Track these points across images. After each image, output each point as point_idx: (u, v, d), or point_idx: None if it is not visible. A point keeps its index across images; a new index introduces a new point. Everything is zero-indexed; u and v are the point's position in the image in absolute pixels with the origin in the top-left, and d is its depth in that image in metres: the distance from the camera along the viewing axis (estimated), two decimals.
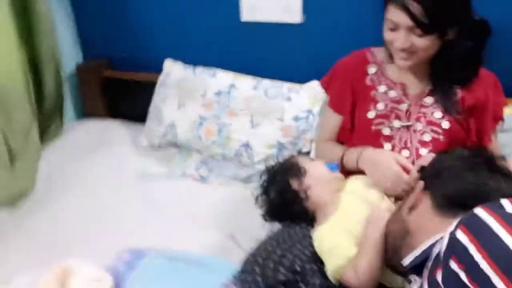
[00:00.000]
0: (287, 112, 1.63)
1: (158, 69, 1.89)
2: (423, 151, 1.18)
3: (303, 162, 1.19)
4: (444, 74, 1.18)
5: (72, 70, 2.08)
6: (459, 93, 1.18)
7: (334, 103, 1.32)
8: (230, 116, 1.67)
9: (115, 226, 1.45)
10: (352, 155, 1.19)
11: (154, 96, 1.86)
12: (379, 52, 1.26)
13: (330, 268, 1.02)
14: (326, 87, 1.35)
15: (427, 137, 1.18)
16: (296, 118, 1.62)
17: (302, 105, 1.63)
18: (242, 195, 1.55)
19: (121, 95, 2.06)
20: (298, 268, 1.06)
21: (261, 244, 1.14)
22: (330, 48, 1.62)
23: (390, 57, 1.20)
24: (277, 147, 1.60)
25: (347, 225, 1.05)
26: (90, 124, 2.03)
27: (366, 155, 1.16)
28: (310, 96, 1.63)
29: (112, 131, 1.98)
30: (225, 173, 1.67)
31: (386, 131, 1.21)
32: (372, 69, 1.26)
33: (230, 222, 1.48)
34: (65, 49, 2.00)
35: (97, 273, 1.06)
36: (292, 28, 1.71)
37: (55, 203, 1.57)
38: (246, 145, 1.63)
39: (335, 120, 1.32)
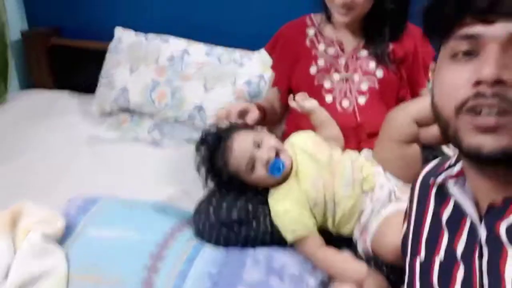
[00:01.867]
0: (239, 77, 1.66)
1: (109, 38, 1.87)
2: (362, 99, 1.30)
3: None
4: (375, 29, 1.29)
5: (17, 38, 2.01)
6: (390, 45, 1.30)
7: (278, 80, 1.41)
8: (183, 80, 1.69)
9: (67, 185, 1.43)
10: None
11: (105, 62, 1.84)
12: (317, 17, 1.37)
13: (289, 236, 1.05)
14: (270, 50, 1.45)
15: (364, 86, 1.30)
16: (249, 83, 1.66)
17: (254, 70, 1.68)
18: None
19: (70, 64, 2.01)
20: (251, 208, 1.10)
21: (215, 190, 1.17)
22: (280, 15, 1.68)
23: (328, 18, 1.32)
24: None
25: (300, 193, 1.07)
26: (37, 94, 1.98)
27: None
28: (261, 62, 1.68)
29: (60, 101, 1.93)
30: (178, 136, 1.68)
31: (327, 85, 1.31)
32: (311, 31, 1.36)
33: (183, 180, 1.50)
34: (10, 15, 1.93)
35: (47, 213, 1.05)
36: None
37: None
38: (200, 108, 1.65)
39: (275, 93, 1.42)
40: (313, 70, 1.32)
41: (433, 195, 0.73)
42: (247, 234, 1.09)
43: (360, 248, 1.08)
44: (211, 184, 1.16)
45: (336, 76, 1.31)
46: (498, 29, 0.55)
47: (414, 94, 1.36)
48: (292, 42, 1.36)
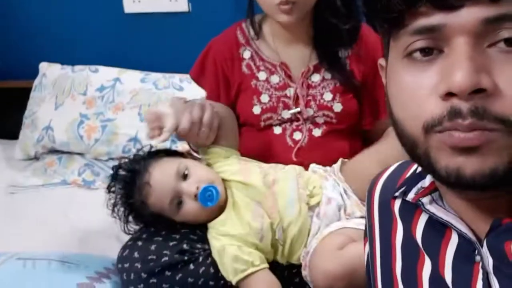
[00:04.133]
0: None
1: (34, 75, 1.67)
2: (317, 131, 1.08)
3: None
4: (328, 33, 1.03)
5: None
6: (348, 65, 1.06)
7: (211, 95, 1.12)
8: (115, 112, 1.49)
9: None
10: None
11: (28, 101, 1.63)
12: (248, 27, 1.09)
13: (231, 277, 0.86)
14: (196, 79, 1.16)
15: (319, 120, 1.07)
16: None
17: (195, 95, 1.50)
18: None
19: None
20: (186, 247, 0.88)
21: (142, 230, 0.95)
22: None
23: (260, 28, 1.07)
24: (171, 139, 1.43)
25: (242, 227, 0.89)
26: None
27: None
28: None
29: None
30: None
31: (276, 129, 1.07)
32: (246, 53, 1.09)
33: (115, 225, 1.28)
34: None
35: None
36: (179, 18, 1.60)
37: None
38: (135, 139, 1.45)
39: None
40: (256, 110, 1.07)
41: (398, 212, 0.54)
42: (184, 281, 0.86)
43: (303, 273, 0.88)
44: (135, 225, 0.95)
45: (285, 114, 1.07)
46: (465, 16, 0.38)
47: (374, 126, 1.11)
48: (225, 68, 1.09)
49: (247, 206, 0.89)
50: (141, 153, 0.97)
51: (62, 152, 1.53)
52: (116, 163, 1.45)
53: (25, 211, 1.36)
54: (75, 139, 1.48)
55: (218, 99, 1.10)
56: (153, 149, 0.98)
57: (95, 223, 1.30)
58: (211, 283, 0.87)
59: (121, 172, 0.93)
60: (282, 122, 1.07)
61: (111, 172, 1.41)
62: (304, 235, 0.88)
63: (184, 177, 0.89)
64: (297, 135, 1.08)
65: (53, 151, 1.54)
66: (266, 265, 0.86)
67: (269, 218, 0.88)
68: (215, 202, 0.87)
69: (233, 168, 0.94)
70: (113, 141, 1.46)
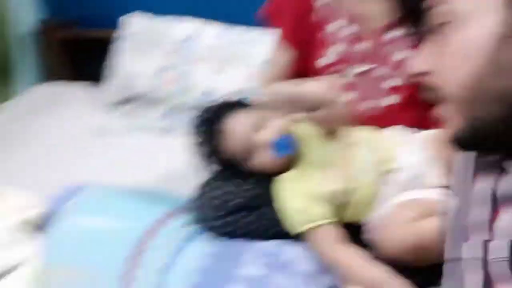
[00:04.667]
0: (254, 57, 1.51)
1: (116, 25, 1.76)
2: (389, 99, 1.00)
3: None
4: None
5: (29, 30, 1.95)
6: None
7: (288, 34, 1.05)
8: (192, 64, 1.56)
9: (66, 178, 1.32)
10: None
11: (113, 50, 1.73)
12: None
13: (295, 228, 0.89)
14: (272, 15, 1.07)
15: (393, 83, 0.98)
16: (265, 63, 1.50)
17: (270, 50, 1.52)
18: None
19: (85, 55, 1.93)
20: (260, 192, 0.93)
21: (219, 172, 1.01)
22: None
23: None
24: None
25: (312, 184, 0.89)
26: (44, 88, 1.89)
27: None
28: None
29: (69, 93, 1.83)
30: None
31: (342, 81, 0.97)
32: (321, 1, 1.00)
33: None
34: (21, 7, 1.87)
35: (26, 199, 0.93)
36: None
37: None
38: (211, 93, 1.51)
39: (286, 56, 1.06)
40: (322, 62, 1.00)
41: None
42: (257, 223, 0.92)
43: (367, 236, 0.89)
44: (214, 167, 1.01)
45: (354, 70, 0.99)
46: None
47: None
48: (299, 12, 1.01)
49: (319, 166, 0.90)
50: (219, 102, 1.02)
51: (142, 99, 1.63)
52: (194, 112, 1.55)
53: (114, 152, 1.47)
54: (155, 88, 1.58)
55: (292, 41, 1.04)
56: (231, 100, 1.03)
57: (178, 167, 1.38)
58: (279, 228, 0.90)
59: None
60: (348, 86, 1.00)
61: (189, 120, 1.51)
62: (374, 200, 0.89)
63: (260, 127, 0.93)
64: (368, 104, 1.01)
65: (134, 98, 1.64)
66: (333, 219, 0.88)
67: (340, 182, 0.89)
68: (289, 152, 0.90)
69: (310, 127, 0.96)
70: (190, 93, 1.53)
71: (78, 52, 1.93)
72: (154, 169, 1.38)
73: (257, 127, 0.93)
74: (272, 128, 0.92)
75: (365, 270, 0.83)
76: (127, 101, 1.67)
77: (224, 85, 1.51)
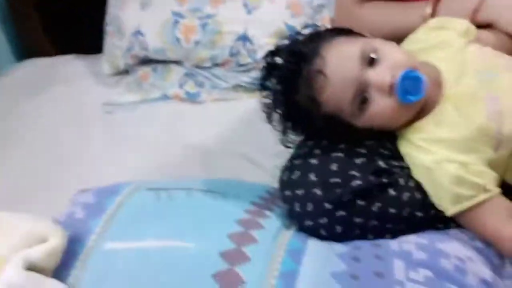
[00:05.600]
0: None
1: None
2: None
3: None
4: None
5: None
6: None
7: None
8: (215, 5, 1.21)
9: (75, 173, 1.04)
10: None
11: (108, 4, 1.38)
12: None
13: (450, 206, 0.60)
14: None
15: None
16: None
17: None
18: (246, 109, 1.12)
19: (68, 23, 1.56)
20: (383, 165, 0.63)
21: (310, 146, 0.70)
22: None
23: None
24: (286, 32, 1.15)
25: (467, 132, 0.60)
26: (33, 63, 1.55)
27: None
28: None
29: (63, 67, 1.50)
30: (220, 84, 1.22)
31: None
32: None
33: (238, 143, 1.06)
34: None
35: (35, 225, 0.62)
36: None
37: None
38: (244, 38, 1.18)
39: None
40: None
41: None
42: (383, 213, 0.62)
43: None
44: (296, 138, 0.70)
45: None
46: None
47: None
48: None
49: (476, 99, 0.61)
50: (305, 33, 0.69)
51: (157, 62, 1.30)
52: (222, 69, 1.23)
53: (127, 132, 1.18)
54: (172, 44, 1.23)
55: None
56: (324, 28, 0.70)
57: (211, 141, 1.10)
58: (418, 214, 0.62)
59: (279, 60, 0.67)
60: None
61: (227, 79, 1.20)
62: None
63: (372, 62, 0.62)
64: None
65: (146, 61, 1.31)
66: (499, 189, 0.59)
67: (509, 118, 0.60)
68: (420, 96, 0.60)
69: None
70: (217, 42, 1.19)
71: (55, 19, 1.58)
72: (183, 145, 1.10)
73: (367, 61, 0.61)
74: (388, 62, 0.61)
75: None
76: (135, 66, 1.33)
77: (259, 24, 1.16)
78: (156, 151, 1.09)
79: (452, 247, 0.59)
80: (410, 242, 0.60)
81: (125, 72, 1.37)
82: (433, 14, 0.73)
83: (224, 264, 0.57)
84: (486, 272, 0.55)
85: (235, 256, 0.57)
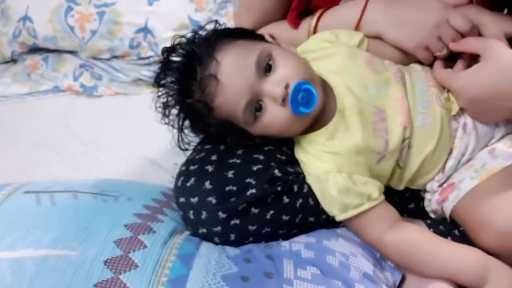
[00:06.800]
0: None
1: None
2: None
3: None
4: None
5: None
6: None
7: None
8: None
9: None
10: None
11: None
12: None
13: (337, 213, 0.61)
14: None
15: None
16: None
17: None
18: (147, 104, 1.07)
19: None
20: (278, 173, 0.63)
21: (208, 149, 0.68)
22: None
23: None
24: (189, 27, 1.12)
25: (356, 141, 0.62)
26: None
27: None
28: None
29: None
30: (119, 77, 1.15)
31: None
32: None
33: (136, 140, 1.01)
34: None
35: None
36: None
37: None
38: (145, 30, 1.12)
39: None
40: None
41: None
42: (277, 220, 0.62)
43: (430, 208, 0.67)
44: (194, 138, 0.68)
45: None
46: None
47: None
48: None
49: (365, 113, 0.62)
50: (203, 32, 0.66)
51: (48, 51, 1.20)
52: (122, 61, 1.16)
53: (14, 127, 1.07)
54: (64, 32, 1.14)
55: None
56: (221, 27, 0.68)
57: (109, 139, 1.04)
58: (310, 219, 0.63)
59: (175, 57, 0.63)
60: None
61: (126, 72, 1.13)
62: (442, 154, 0.64)
63: (267, 70, 0.61)
64: None
65: (36, 50, 1.20)
66: (383, 196, 0.62)
67: (396, 131, 0.62)
68: (312, 108, 0.60)
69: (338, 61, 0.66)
70: (115, 32, 1.13)
71: None
72: (79, 142, 1.02)
73: (262, 68, 0.60)
74: (283, 71, 0.61)
75: (453, 253, 0.58)
76: (24, 54, 1.22)
77: (161, 15, 1.12)
78: (46, 147, 1.00)
79: (337, 244, 0.61)
80: (300, 242, 0.61)
81: (12, 61, 1.25)
82: (315, 27, 0.71)
83: (108, 273, 0.53)
84: (367, 266, 0.58)
85: (121, 263, 0.54)
